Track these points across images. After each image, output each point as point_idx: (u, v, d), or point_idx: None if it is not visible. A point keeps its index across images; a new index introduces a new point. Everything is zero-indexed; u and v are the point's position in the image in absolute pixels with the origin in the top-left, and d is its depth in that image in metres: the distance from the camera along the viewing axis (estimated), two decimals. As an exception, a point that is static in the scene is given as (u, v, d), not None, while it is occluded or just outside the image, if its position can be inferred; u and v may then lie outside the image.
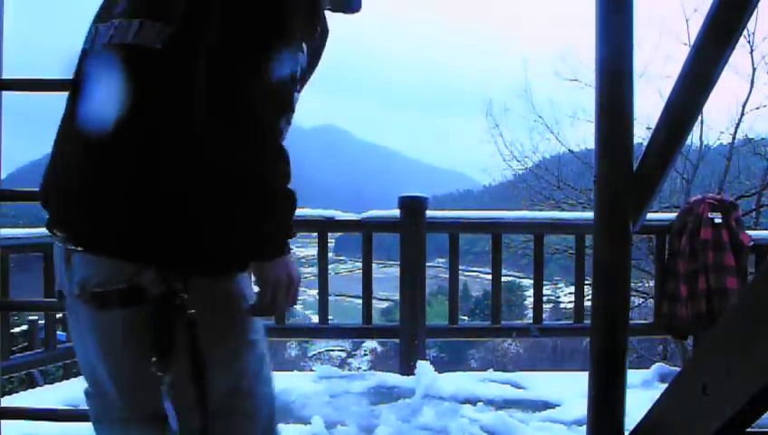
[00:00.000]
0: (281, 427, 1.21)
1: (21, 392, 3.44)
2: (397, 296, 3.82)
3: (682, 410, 1.34)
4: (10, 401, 2.50)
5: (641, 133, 6.57)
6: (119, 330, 1.00)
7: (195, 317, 0.96)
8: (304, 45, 1.00)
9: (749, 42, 9.24)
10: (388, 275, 6.98)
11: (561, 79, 10.99)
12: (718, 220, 3.31)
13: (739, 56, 8.98)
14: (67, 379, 3.66)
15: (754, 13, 1.70)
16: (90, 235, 0.99)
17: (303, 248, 10.13)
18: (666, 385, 1.56)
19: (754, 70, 9.45)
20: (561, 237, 7.60)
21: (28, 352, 3.90)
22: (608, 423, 1.81)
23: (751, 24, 8.88)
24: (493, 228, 3.79)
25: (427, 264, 3.61)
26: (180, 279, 0.96)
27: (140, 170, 0.96)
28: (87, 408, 1.16)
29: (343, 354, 19.71)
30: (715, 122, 12.04)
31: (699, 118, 8.39)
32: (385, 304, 19.45)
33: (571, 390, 2.89)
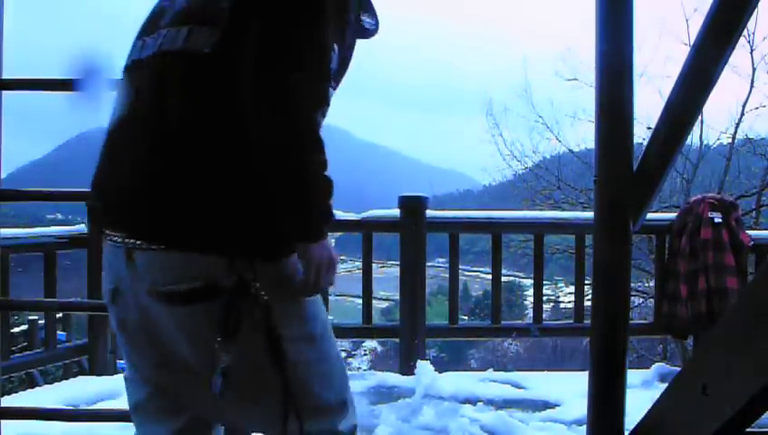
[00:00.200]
0: None
1: (21, 392, 3.44)
2: (397, 296, 3.82)
3: (682, 410, 1.34)
4: (10, 401, 2.50)
5: (641, 133, 6.57)
6: (192, 319, 1.06)
7: (269, 302, 1.05)
8: (336, 46, 1.09)
9: (749, 42, 9.25)
10: (388, 274, 6.98)
11: (562, 79, 10.99)
12: (718, 220, 3.31)
13: (739, 56, 8.99)
14: (67, 379, 3.66)
15: (754, 13, 1.70)
16: (163, 232, 1.05)
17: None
18: (666, 385, 1.56)
19: (754, 70, 9.46)
20: (562, 237, 7.60)
21: (28, 352, 3.91)
22: (608, 423, 1.81)
23: (751, 24, 8.89)
24: (493, 228, 3.79)
25: (427, 264, 3.61)
26: (249, 267, 1.04)
27: (205, 167, 1.04)
28: (126, 392, 1.24)
29: (343, 354, 19.62)
30: (715, 122, 12.08)
31: (699, 118, 8.39)
32: (385, 304, 19.44)
33: (571, 390, 2.89)
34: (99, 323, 3.45)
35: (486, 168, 13.26)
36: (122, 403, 2.78)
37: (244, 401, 1.12)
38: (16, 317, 6.34)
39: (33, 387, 3.66)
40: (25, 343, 4.80)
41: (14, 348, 4.68)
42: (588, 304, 2.72)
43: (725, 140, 10.07)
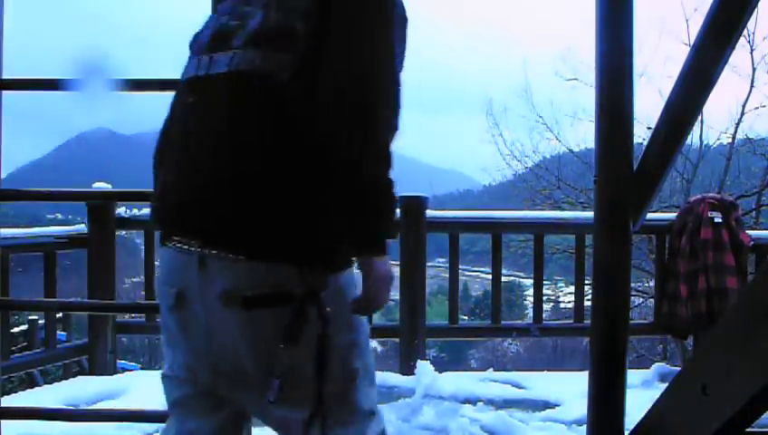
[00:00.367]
0: None
1: (21, 392, 3.44)
2: (397, 296, 3.82)
3: (682, 410, 1.34)
4: (10, 401, 2.50)
5: (641, 133, 6.56)
6: (258, 324, 1.10)
7: (330, 312, 1.11)
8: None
9: (749, 42, 9.22)
10: (388, 274, 6.95)
11: (562, 79, 10.98)
12: (718, 220, 3.31)
13: (739, 56, 8.98)
14: (67, 379, 3.66)
15: (754, 13, 1.70)
16: (243, 242, 1.10)
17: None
18: (666, 385, 1.56)
19: (754, 70, 9.43)
20: (562, 237, 7.59)
21: (28, 352, 3.91)
22: (608, 423, 1.81)
23: (751, 24, 8.87)
24: (493, 228, 3.79)
25: (427, 264, 3.61)
26: (317, 278, 1.10)
27: (284, 183, 1.09)
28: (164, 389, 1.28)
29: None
30: (715, 122, 12.04)
31: (699, 118, 8.39)
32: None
33: (571, 390, 2.89)
34: (99, 323, 3.45)
35: (486, 168, 13.22)
36: (122, 403, 2.79)
37: (285, 404, 1.14)
38: (16, 317, 6.34)
39: (33, 387, 3.67)
40: (25, 343, 4.81)
41: (14, 348, 4.68)
42: (588, 304, 2.72)
43: (725, 140, 10.05)
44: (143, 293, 4.34)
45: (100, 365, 3.45)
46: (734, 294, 3.14)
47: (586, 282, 3.73)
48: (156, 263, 3.54)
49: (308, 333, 1.09)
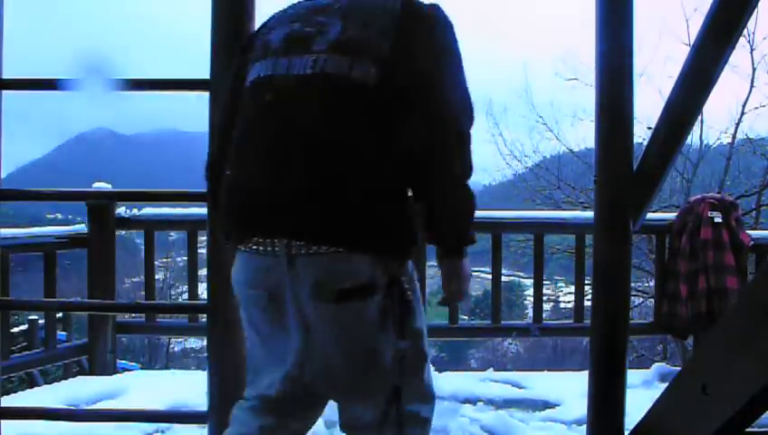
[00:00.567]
0: None
1: (21, 392, 3.44)
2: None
3: (682, 410, 1.34)
4: (10, 401, 2.50)
5: (641, 133, 6.56)
6: (347, 313, 1.18)
7: (412, 299, 1.23)
8: None
9: (749, 41, 9.24)
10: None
11: (562, 79, 10.99)
12: (718, 220, 3.31)
13: (739, 56, 8.98)
14: (67, 379, 3.65)
15: (754, 13, 1.70)
16: (334, 236, 1.15)
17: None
18: (666, 385, 1.56)
19: (754, 70, 9.45)
20: (562, 237, 7.59)
21: (28, 352, 3.90)
22: (608, 423, 1.81)
23: (751, 24, 8.89)
24: (493, 228, 3.79)
25: (428, 263, 3.61)
26: (398, 269, 1.20)
27: (371, 182, 1.16)
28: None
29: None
30: (715, 122, 12.07)
31: (699, 118, 8.39)
32: (385, 304, 19.37)
33: (571, 390, 2.89)
34: (99, 323, 3.45)
35: (486, 168, 13.23)
36: (122, 403, 2.79)
37: (371, 382, 1.25)
38: (16, 317, 6.34)
39: (33, 387, 3.66)
40: (25, 343, 4.80)
41: (14, 348, 4.68)
42: (588, 304, 2.72)
43: (725, 139, 10.06)
44: (143, 293, 4.34)
45: (100, 365, 3.45)
46: (734, 294, 3.14)
47: (586, 282, 3.72)
48: (156, 263, 3.53)
49: (391, 319, 1.19)
